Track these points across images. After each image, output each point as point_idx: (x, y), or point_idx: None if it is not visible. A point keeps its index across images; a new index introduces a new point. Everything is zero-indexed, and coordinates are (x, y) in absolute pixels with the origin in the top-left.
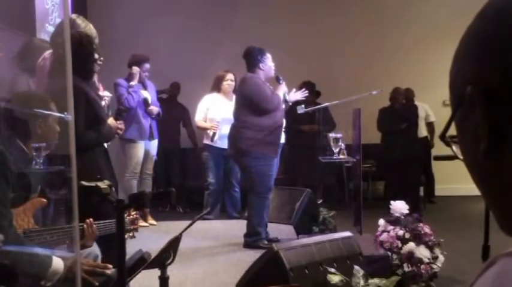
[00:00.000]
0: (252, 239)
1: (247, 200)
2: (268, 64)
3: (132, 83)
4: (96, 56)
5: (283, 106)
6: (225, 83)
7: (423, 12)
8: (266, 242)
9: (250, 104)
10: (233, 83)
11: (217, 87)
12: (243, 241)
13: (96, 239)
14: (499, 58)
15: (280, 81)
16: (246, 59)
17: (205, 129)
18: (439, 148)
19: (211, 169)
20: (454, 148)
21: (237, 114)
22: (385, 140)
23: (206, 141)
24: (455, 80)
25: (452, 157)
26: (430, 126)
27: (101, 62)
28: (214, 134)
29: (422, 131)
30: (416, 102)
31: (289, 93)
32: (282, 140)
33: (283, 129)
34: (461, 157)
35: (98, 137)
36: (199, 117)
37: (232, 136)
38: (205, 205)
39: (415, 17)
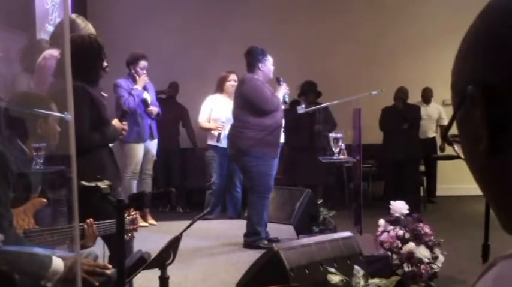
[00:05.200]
0: (251, 239)
1: (247, 200)
2: (268, 66)
3: (137, 86)
4: (105, 64)
5: (283, 107)
6: (228, 83)
7: (423, 12)
8: (266, 242)
9: (250, 105)
10: (236, 84)
11: (220, 88)
12: (243, 240)
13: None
14: (500, 58)
15: (281, 83)
16: (246, 58)
17: (209, 130)
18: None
19: (215, 169)
20: (456, 147)
21: (236, 115)
22: (386, 140)
23: (210, 141)
24: (457, 79)
25: (453, 157)
26: (441, 129)
27: (108, 69)
28: (219, 134)
29: (430, 132)
30: (432, 103)
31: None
32: (282, 139)
33: (282, 129)
34: (463, 156)
35: (102, 138)
36: (203, 118)
37: (232, 136)
38: (207, 205)
39: (416, 17)
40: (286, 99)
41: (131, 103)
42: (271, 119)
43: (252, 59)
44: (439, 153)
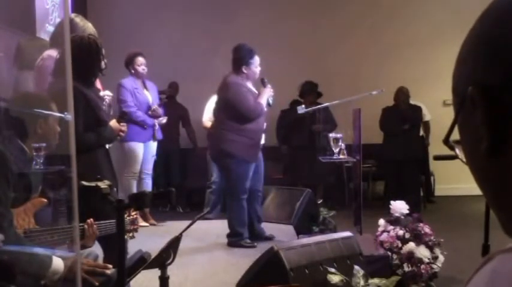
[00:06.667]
0: (234, 239)
1: (226, 203)
2: (253, 69)
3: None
4: (103, 65)
5: (265, 109)
6: None
7: (423, 12)
8: (248, 241)
9: (231, 111)
10: None
11: None
12: (227, 241)
13: (97, 239)
14: (500, 58)
15: (266, 85)
16: (233, 54)
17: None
18: (438, 148)
19: (215, 168)
20: (457, 151)
21: (219, 115)
22: (386, 140)
23: None
24: (457, 82)
25: (453, 157)
26: (425, 125)
27: (105, 72)
28: None
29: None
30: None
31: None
32: (262, 141)
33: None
34: (464, 160)
35: (98, 138)
36: (206, 117)
37: (214, 136)
38: (207, 203)
39: (415, 17)
40: (270, 102)
41: (133, 114)
42: (255, 125)
43: (239, 58)
44: (435, 152)
